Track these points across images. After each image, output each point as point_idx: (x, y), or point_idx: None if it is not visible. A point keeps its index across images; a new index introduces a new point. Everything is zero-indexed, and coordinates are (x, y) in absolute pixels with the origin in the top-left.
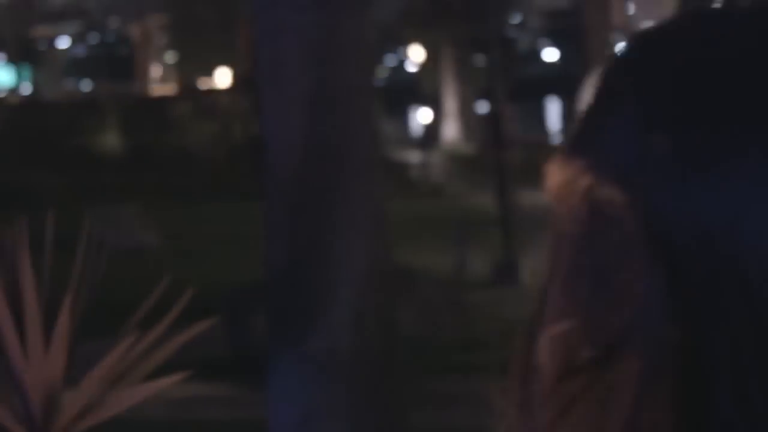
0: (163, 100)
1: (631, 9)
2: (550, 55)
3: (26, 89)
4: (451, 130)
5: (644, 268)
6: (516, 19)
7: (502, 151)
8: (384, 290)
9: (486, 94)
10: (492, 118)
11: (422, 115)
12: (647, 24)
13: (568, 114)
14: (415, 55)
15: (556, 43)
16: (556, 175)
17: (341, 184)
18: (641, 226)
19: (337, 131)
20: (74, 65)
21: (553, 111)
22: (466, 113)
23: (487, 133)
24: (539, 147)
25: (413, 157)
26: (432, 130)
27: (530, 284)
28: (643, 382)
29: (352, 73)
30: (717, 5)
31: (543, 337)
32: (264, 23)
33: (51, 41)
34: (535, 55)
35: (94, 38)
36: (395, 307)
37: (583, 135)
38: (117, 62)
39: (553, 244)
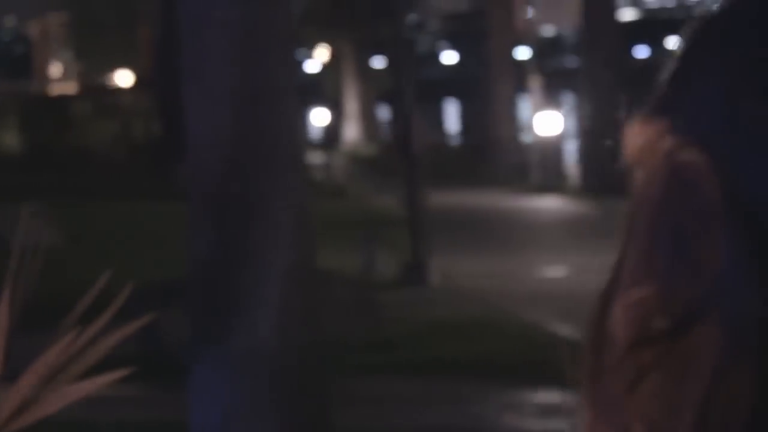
0: (62, 99)
1: (534, 12)
2: (449, 57)
3: None
4: (351, 131)
5: (725, 236)
6: (416, 21)
7: (411, 152)
8: (307, 288)
9: (387, 96)
10: (399, 119)
11: (323, 116)
12: (549, 27)
13: (466, 116)
14: (319, 55)
15: (454, 46)
16: (636, 135)
17: (265, 181)
18: (724, 192)
19: (261, 127)
20: None
21: (452, 113)
22: (366, 114)
23: (394, 135)
24: (438, 149)
25: (314, 157)
26: (333, 131)
27: (439, 284)
28: (721, 355)
29: (276, 67)
30: (620, 10)
31: (617, 305)
32: (187, 17)
33: None
34: (434, 57)
35: None
36: (318, 306)
37: (667, 95)
38: (14, 60)
39: (630, 208)
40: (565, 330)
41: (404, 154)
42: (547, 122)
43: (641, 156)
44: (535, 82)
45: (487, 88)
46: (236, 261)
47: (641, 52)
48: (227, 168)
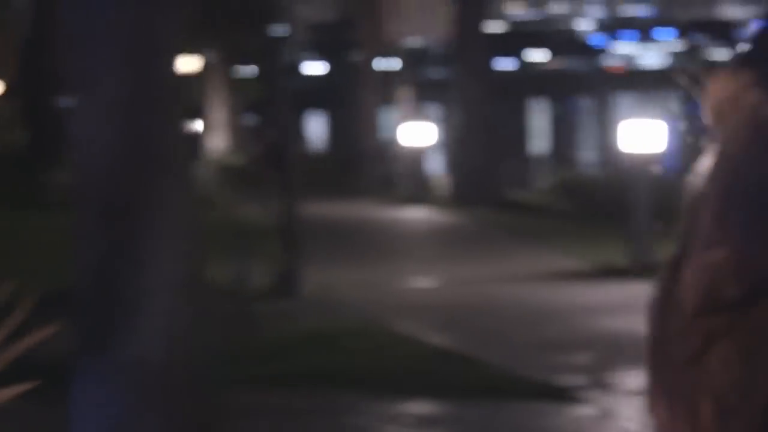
0: None
1: (403, 23)
2: (313, 68)
3: None
4: (218, 141)
5: None
6: (283, 31)
7: (286, 162)
8: (196, 299)
9: (254, 107)
10: (271, 129)
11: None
12: (414, 39)
13: (331, 127)
14: (185, 65)
15: (318, 56)
16: (720, 88)
17: (154, 191)
18: None
19: (150, 135)
20: None
21: (316, 124)
22: (233, 124)
23: (264, 145)
24: (304, 159)
25: None
26: (199, 140)
27: (312, 295)
28: None
29: (165, 74)
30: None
31: (688, 267)
32: (74, 24)
33: None
34: (297, 67)
35: None
36: (207, 316)
37: (754, 47)
38: None
39: (709, 168)
40: (440, 340)
41: (278, 164)
42: (416, 133)
43: (724, 111)
44: (404, 93)
45: (354, 98)
46: (125, 271)
47: (506, 64)
48: (115, 177)
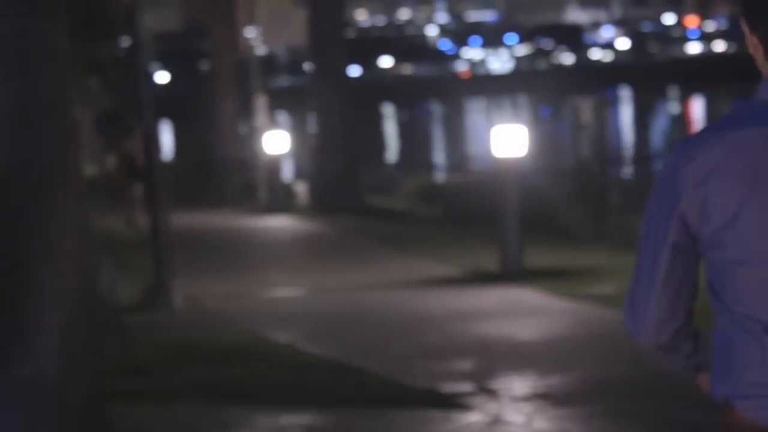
0: None
1: (259, 31)
2: (160, 77)
3: None
4: None
5: None
6: (134, 40)
7: (152, 172)
8: (89, 313)
9: (105, 117)
10: (129, 140)
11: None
12: (273, 47)
13: (181, 136)
14: None
15: (164, 66)
16: None
17: (42, 203)
18: None
19: (37, 148)
20: None
21: (165, 133)
22: (85, 136)
23: (121, 156)
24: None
25: None
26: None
27: (183, 307)
28: None
29: (52, 85)
30: (350, 29)
31: None
32: None
33: None
34: (146, 76)
35: None
36: (100, 330)
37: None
38: None
39: None
40: (317, 350)
41: (137, 175)
42: (274, 141)
43: None
44: (261, 101)
45: (210, 107)
46: (15, 286)
47: (355, 70)
48: (2, 191)
